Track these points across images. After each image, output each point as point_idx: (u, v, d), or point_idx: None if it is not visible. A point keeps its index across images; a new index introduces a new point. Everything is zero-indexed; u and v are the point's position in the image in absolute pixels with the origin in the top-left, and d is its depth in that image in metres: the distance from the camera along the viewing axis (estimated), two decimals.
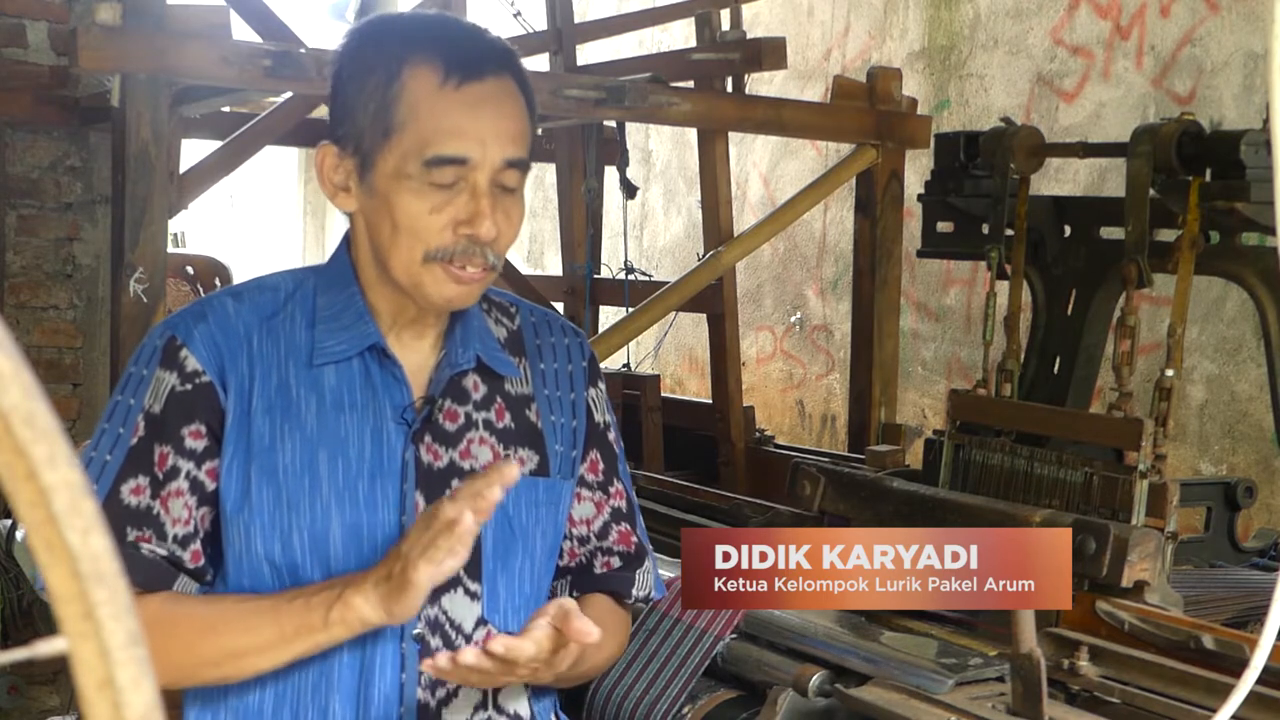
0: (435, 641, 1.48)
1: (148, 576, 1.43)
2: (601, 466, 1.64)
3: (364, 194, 1.45)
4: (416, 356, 1.51)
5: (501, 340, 1.57)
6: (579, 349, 1.63)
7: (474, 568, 1.49)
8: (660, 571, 1.74)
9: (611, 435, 1.66)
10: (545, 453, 1.56)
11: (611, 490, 1.65)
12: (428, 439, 1.48)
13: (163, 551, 1.44)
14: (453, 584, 1.48)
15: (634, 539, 1.67)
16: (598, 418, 1.63)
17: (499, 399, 1.54)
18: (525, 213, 1.50)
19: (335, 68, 1.48)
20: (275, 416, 1.45)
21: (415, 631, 1.47)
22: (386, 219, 1.42)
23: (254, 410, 1.45)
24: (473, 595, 1.49)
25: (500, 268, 1.46)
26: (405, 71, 1.41)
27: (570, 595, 1.64)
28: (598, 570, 1.64)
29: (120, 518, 1.42)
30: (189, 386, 1.44)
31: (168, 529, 1.44)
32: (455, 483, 1.49)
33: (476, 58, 1.43)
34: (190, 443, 1.44)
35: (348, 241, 1.52)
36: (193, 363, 1.44)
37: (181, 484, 1.44)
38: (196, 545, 1.46)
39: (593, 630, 1.35)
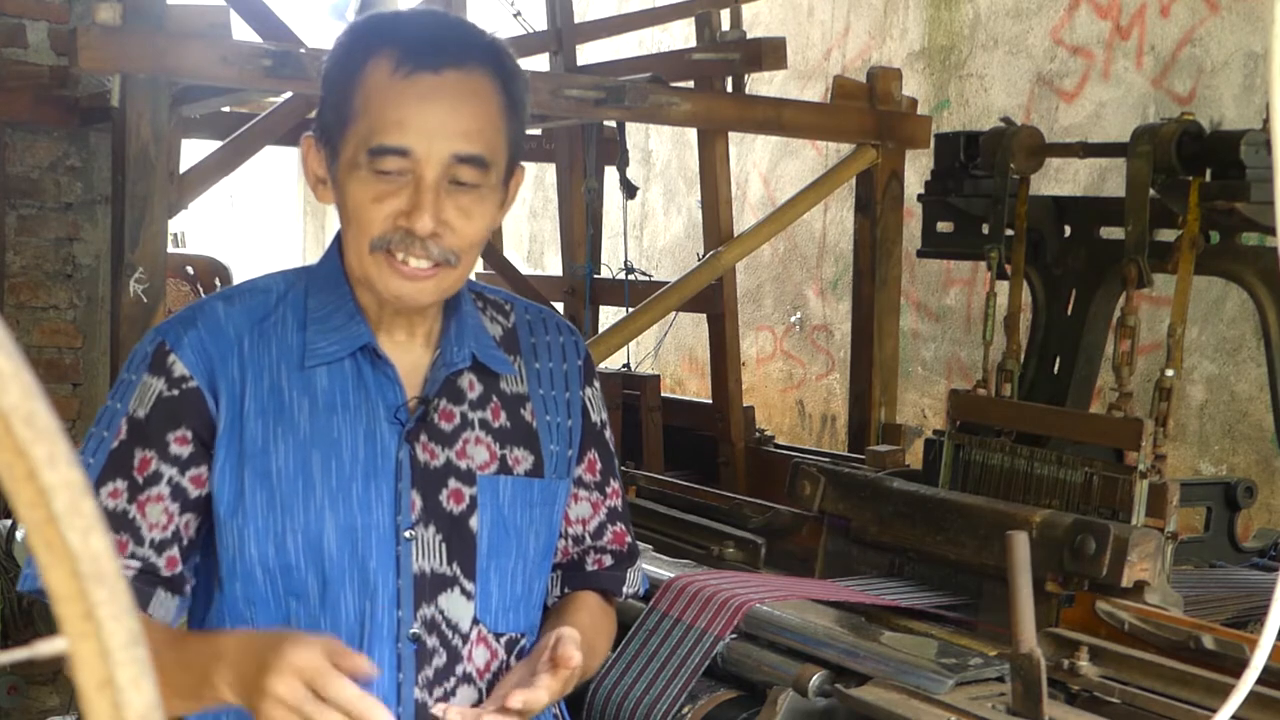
0: (432, 641, 1.48)
1: None
2: (599, 466, 1.64)
3: (334, 185, 1.45)
4: (410, 356, 1.50)
5: (496, 338, 1.56)
6: (574, 348, 1.62)
7: (469, 567, 1.49)
8: (661, 571, 1.74)
9: (607, 434, 1.66)
10: (540, 453, 1.55)
11: (608, 490, 1.65)
12: (423, 438, 1.48)
13: (136, 563, 1.43)
14: (449, 584, 1.48)
15: (627, 539, 1.67)
16: (594, 417, 1.63)
17: (495, 398, 1.54)
18: (493, 213, 1.46)
19: (323, 66, 1.50)
20: (268, 419, 1.45)
21: (412, 631, 1.47)
22: (342, 209, 1.44)
23: (246, 414, 1.44)
24: (468, 595, 1.49)
25: (459, 263, 1.43)
26: (368, 62, 1.41)
27: (561, 589, 1.65)
28: (589, 568, 1.65)
29: None
30: (176, 392, 1.44)
31: (144, 533, 1.43)
32: (451, 481, 1.49)
33: (436, 49, 1.41)
34: (175, 448, 1.44)
35: (339, 241, 1.52)
36: (180, 368, 1.44)
37: (163, 489, 1.43)
38: (173, 551, 1.44)
39: (575, 656, 1.39)
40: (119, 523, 1.42)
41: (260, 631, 1.40)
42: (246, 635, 1.37)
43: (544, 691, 1.36)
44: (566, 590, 1.65)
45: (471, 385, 1.53)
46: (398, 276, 1.41)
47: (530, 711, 1.37)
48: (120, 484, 1.43)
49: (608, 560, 1.65)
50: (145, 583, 1.43)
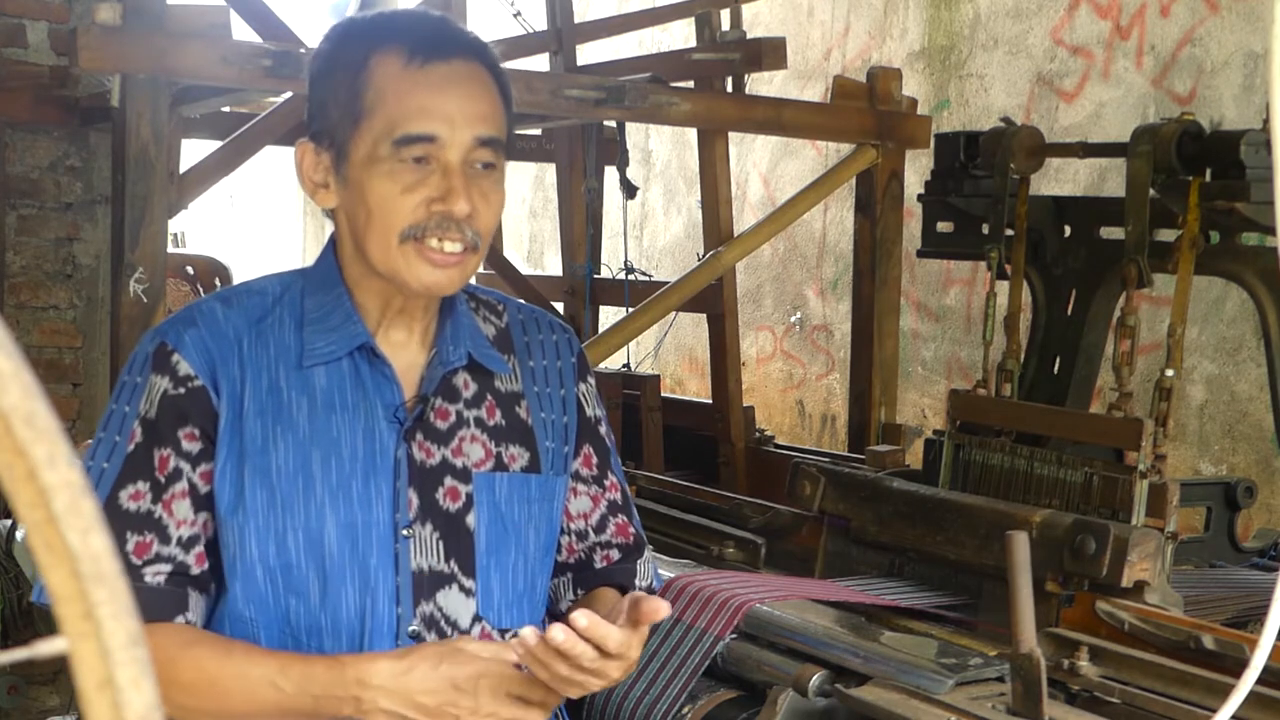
0: (431, 637, 1.48)
1: (151, 607, 1.41)
2: (595, 460, 1.65)
3: (341, 186, 1.46)
4: (406, 355, 1.51)
5: (490, 338, 1.58)
6: (567, 345, 1.64)
7: (468, 564, 1.50)
8: (660, 571, 1.75)
9: (603, 429, 1.67)
10: (536, 449, 1.57)
11: (606, 483, 1.66)
12: (420, 437, 1.49)
13: (166, 566, 1.43)
14: (448, 581, 1.49)
15: (631, 530, 1.68)
16: (589, 412, 1.64)
17: (489, 396, 1.55)
18: (505, 198, 1.50)
19: (311, 68, 1.50)
20: (267, 419, 1.45)
21: (411, 629, 1.47)
22: (362, 206, 1.43)
23: (246, 413, 1.45)
24: (467, 592, 1.50)
25: (480, 248, 1.45)
26: (372, 59, 1.43)
27: (574, 592, 1.65)
28: (598, 565, 1.65)
29: (119, 524, 1.42)
30: (182, 390, 1.44)
31: (171, 531, 1.43)
32: (448, 480, 1.50)
33: (440, 40, 1.45)
34: (186, 445, 1.44)
35: (334, 243, 1.53)
36: (185, 367, 1.45)
37: (184, 485, 1.44)
38: (200, 548, 1.45)
39: (662, 605, 1.34)
40: (144, 523, 1.43)
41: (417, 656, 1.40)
42: (382, 652, 1.41)
43: (618, 631, 1.33)
44: (580, 592, 1.65)
45: (466, 384, 1.54)
46: (428, 265, 1.42)
47: (601, 642, 1.32)
48: (142, 485, 1.43)
49: (615, 555, 1.66)
50: (178, 584, 1.44)
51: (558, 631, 1.30)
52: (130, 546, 1.42)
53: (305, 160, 1.49)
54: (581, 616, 1.31)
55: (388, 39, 1.44)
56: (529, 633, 1.33)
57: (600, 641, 1.32)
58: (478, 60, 1.46)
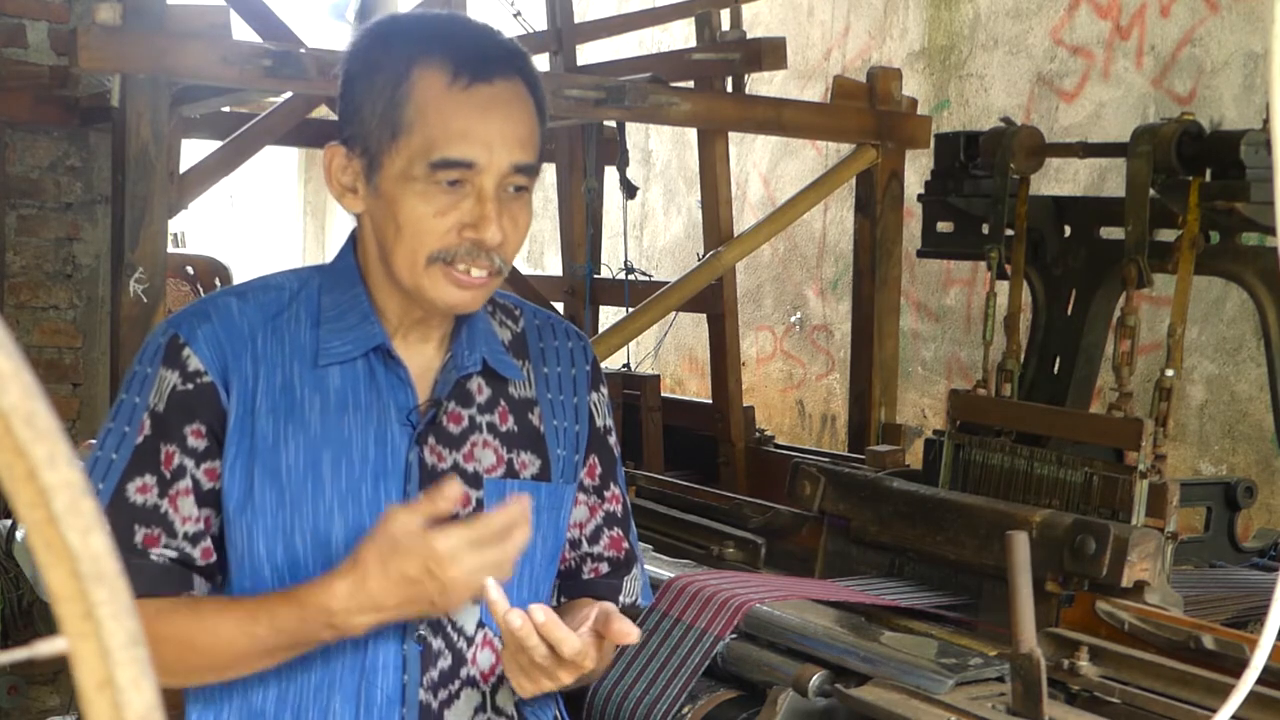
0: (437, 643, 1.48)
1: (156, 582, 1.42)
2: (599, 471, 1.64)
3: (370, 195, 1.44)
4: (421, 358, 1.50)
5: (506, 343, 1.57)
6: (582, 353, 1.63)
7: None
8: (661, 571, 1.74)
9: (611, 440, 1.66)
10: (547, 457, 1.56)
11: (607, 495, 1.65)
12: (431, 441, 1.48)
13: (172, 553, 1.43)
14: None
15: (625, 545, 1.67)
16: (599, 422, 1.63)
17: (503, 402, 1.54)
18: (533, 215, 1.49)
19: (345, 67, 1.47)
20: (279, 417, 1.44)
21: (418, 633, 1.47)
22: (392, 221, 1.42)
23: (257, 410, 1.44)
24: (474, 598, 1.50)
25: (506, 272, 1.45)
26: (414, 72, 1.40)
27: (558, 599, 1.64)
28: (585, 576, 1.64)
29: (128, 517, 1.42)
30: (190, 386, 1.44)
31: (177, 527, 1.43)
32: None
33: (486, 59, 1.42)
34: (192, 441, 1.44)
35: (354, 241, 1.52)
36: (195, 362, 1.44)
37: (187, 483, 1.44)
38: (207, 543, 1.45)
39: (633, 631, 1.34)
40: (151, 517, 1.42)
41: (344, 562, 1.37)
42: (333, 573, 1.37)
43: (578, 641, 1.32)
44: (563, 600, 1.64)
45: (480, 389, 1.53)
46: (455, 287, 1.41)
47: (555, 645, 1.32)
48: (150, 479, 1.43)
49: (604, 568, 1.65)
50: (183, 568, 1.44)
51: (515, 617, 1.30)
52: (139, 538, 1.42)
53: (335, 163, 1.47)
54: (539, 612, 1.30)
55: (431, 50, 1.41)
56: (492, 585, 1.32)
57: (555, 644, 1.31)
58: (519, 77, 1.45)
